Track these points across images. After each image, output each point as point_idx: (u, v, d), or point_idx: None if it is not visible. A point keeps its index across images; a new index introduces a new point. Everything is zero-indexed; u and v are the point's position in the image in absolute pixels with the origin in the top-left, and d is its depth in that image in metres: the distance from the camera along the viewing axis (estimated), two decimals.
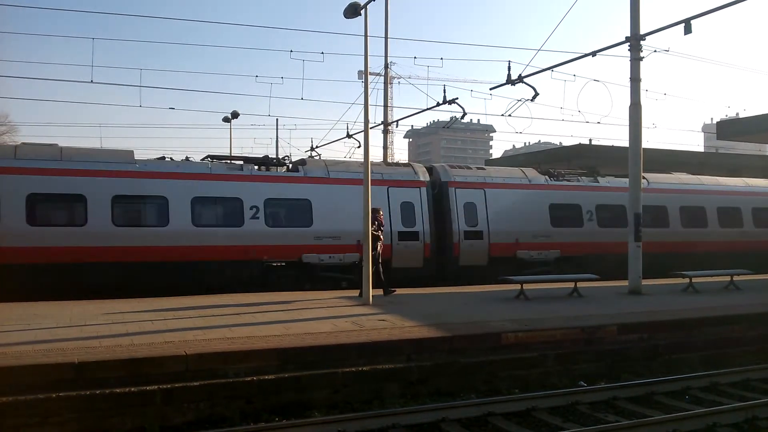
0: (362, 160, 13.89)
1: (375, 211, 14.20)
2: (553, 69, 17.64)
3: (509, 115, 20.40)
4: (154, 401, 7.25)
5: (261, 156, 18.74)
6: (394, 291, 14.34)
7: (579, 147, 29.08)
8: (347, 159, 20.89)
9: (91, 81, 20.51)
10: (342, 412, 7.75)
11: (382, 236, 14.28)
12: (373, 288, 13.15)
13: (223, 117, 33.96)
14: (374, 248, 13.89)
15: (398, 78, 35.86)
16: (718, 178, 24.14)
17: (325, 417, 7.43)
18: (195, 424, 7.36)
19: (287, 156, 19.57)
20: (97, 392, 7.08)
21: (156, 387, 7.31)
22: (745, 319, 11.89)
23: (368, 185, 13.17)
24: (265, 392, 7.78)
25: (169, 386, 7.37)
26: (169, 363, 7.73)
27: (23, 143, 17.03)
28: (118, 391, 7.16)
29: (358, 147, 28.80)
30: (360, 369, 8.38)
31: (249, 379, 7.78)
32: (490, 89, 20.23)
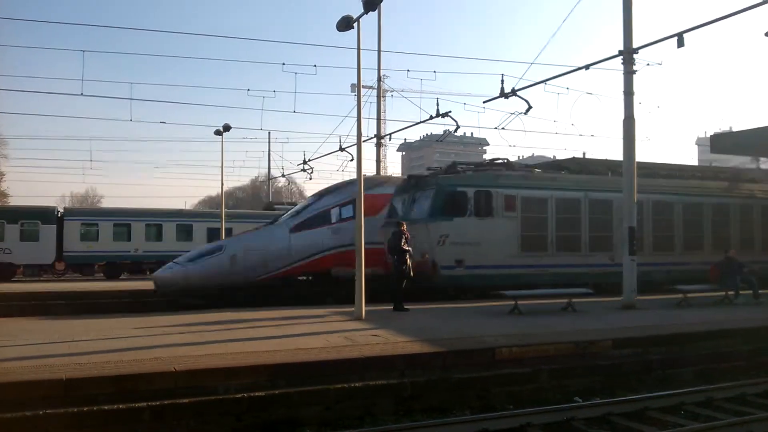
0: None
1: (399, 225, 14.41)
2: (547, 82, 17.69)
3: (503, 129, 20.55)
4: (142, 418, 7.13)
5: None
6: (407, 310, 14.11)
7: (573, 160, 29.00)
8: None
9: (81, 94, 20.48)
10: (334, 428, 7.66)
11: (411, 250, 14.42)
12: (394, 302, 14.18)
13: (215, 130, 33.80)
14: (404, 262, 14.03)
15: (391, 91, 35.89)
16: None
17: None
18: None
19: None
20: (85, 409, 6.96)
21: (145, 404, 7.19)
22: (739, 333, 11.87)
23: (361, 198, 13.14)
24: (256, 409, 7.66)
25: (158, 403, 7.26)
26: (158, 379, 7.64)
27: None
28: (106, 408, 7.04)
29: (351, 160, 28.77)
30: (352, 385, 8.26)
31: (239, 395, 7.67)
32: (484, 102, 20.27)
